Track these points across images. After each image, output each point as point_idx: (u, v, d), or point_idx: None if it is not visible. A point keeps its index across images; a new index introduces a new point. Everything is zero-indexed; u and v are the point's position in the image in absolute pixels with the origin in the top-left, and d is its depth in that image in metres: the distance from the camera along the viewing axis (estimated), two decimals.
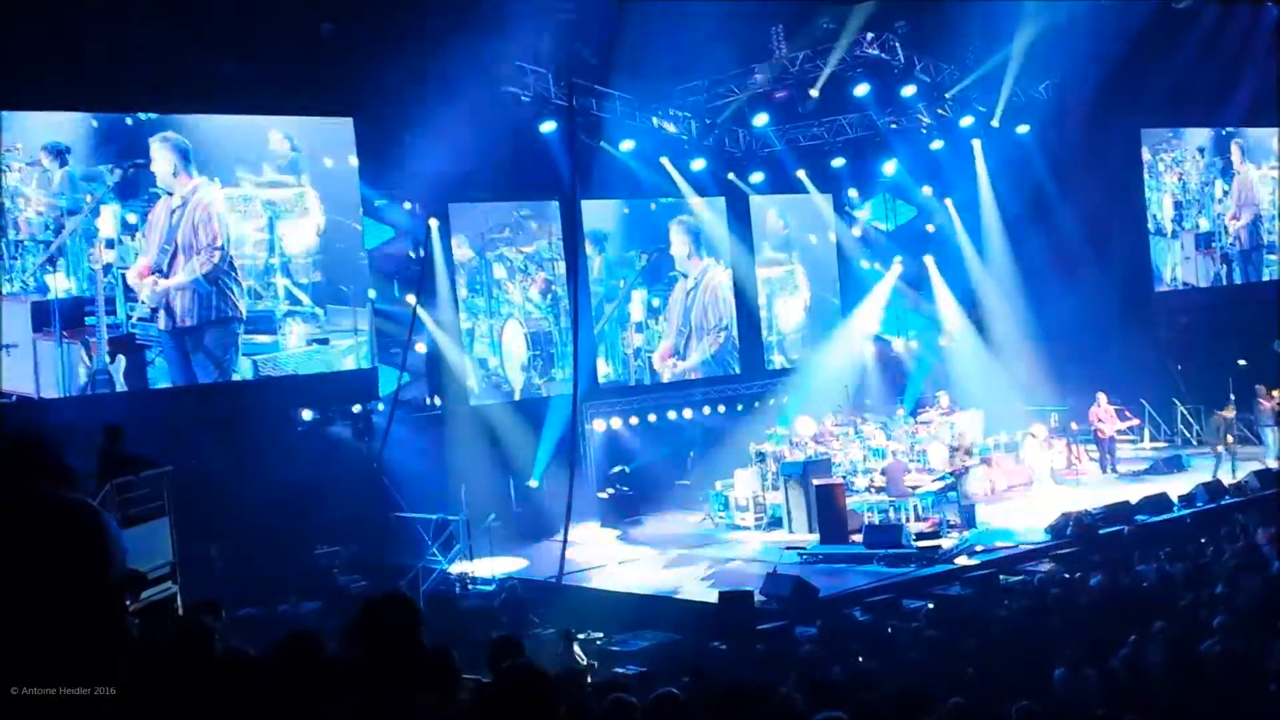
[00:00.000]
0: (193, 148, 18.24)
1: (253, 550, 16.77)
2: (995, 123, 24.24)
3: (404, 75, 18.78)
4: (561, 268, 22.85)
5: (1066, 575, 14.47)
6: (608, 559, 18.82)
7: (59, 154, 17.13)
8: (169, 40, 16.40)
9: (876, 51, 21.13)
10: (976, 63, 22.85)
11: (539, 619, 15.52)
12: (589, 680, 8.76)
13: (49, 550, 1.91)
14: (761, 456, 20.74)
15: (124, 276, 17.56)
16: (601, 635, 14.58)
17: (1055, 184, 25.18)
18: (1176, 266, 27.84)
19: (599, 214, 23.76)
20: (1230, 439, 20.90)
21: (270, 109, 18.97)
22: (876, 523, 18.04)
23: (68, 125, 17.33)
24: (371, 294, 20.16)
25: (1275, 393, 21.30)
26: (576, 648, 13.16)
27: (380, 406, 20.48)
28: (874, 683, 8.89)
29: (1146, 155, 27.42)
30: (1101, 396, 22.01)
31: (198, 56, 17.03)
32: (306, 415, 19.97)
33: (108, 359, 17.34)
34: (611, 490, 22.24)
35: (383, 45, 18.53)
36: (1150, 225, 27.31)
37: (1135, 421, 23.64)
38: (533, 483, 21.53)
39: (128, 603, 7.88)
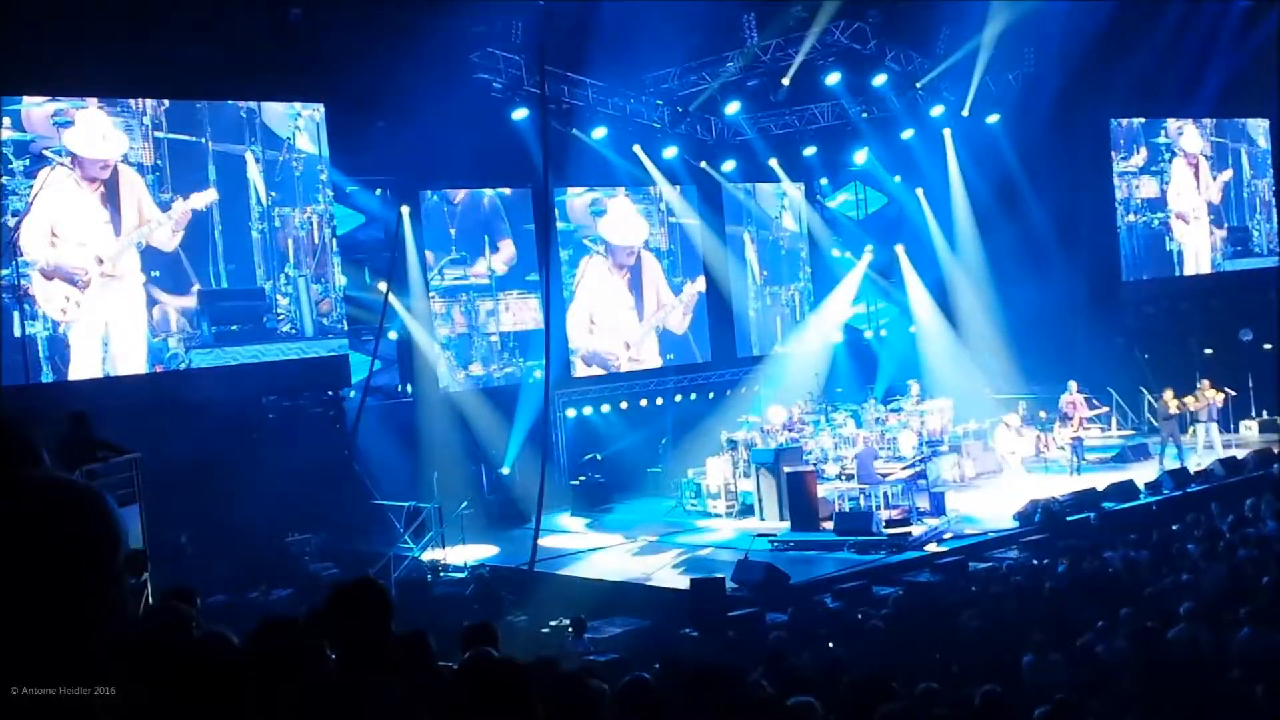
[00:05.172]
0: None
1: (223, 538, 16.69)
2: (965, 112, 24.33)
3: (376, 61, 18.66)
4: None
5: (1035, 562, 14.63)
6: (579, 546, 18.86)
7: None
8: (135, 24, 16.22)
9: (848, 40, 21.16)
10: (947, 52, 22.90)
11: (511, 606, 15.54)
12: (559, 666, 8.76)
13: (64, 534, 1.87)
14: (733, 444, 20.77)
15: None
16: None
17: (1025, 174, 25.27)
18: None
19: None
20: (1175, 405, 21.01)
21: (240, 94, 18.83)
22: (847, 510, 18.12)
23: None
24: (342, 281, 20.09)
25: (1211, 391, 21.49)
26: (587, 637, 13.20)
27: (352, 394, 20.42)
28: (844, 669, 8.94)
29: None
30: (1073, 385, 22.15)
31: (166, 41, 16.86)
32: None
33: None
34: (583, 477, 22.27)
35: (354, 30, 18.41)
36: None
37: (1103, 409, 23.80)
38: (505, 470, 21.52)
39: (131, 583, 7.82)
